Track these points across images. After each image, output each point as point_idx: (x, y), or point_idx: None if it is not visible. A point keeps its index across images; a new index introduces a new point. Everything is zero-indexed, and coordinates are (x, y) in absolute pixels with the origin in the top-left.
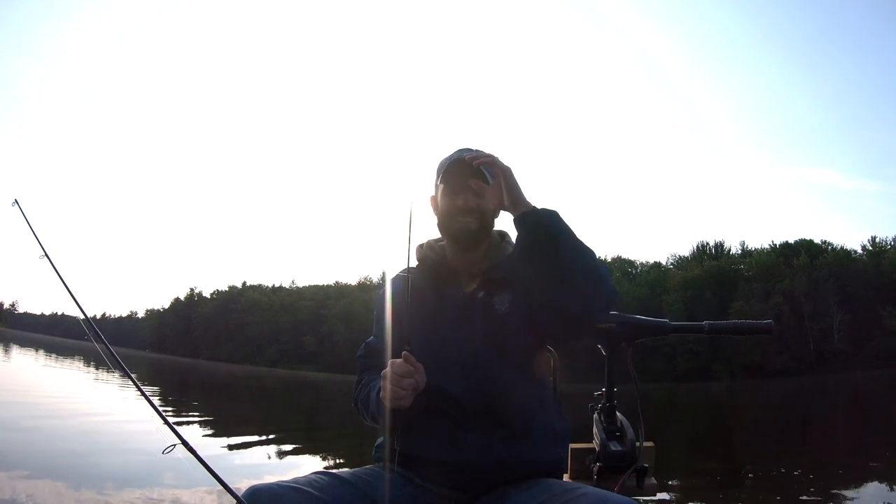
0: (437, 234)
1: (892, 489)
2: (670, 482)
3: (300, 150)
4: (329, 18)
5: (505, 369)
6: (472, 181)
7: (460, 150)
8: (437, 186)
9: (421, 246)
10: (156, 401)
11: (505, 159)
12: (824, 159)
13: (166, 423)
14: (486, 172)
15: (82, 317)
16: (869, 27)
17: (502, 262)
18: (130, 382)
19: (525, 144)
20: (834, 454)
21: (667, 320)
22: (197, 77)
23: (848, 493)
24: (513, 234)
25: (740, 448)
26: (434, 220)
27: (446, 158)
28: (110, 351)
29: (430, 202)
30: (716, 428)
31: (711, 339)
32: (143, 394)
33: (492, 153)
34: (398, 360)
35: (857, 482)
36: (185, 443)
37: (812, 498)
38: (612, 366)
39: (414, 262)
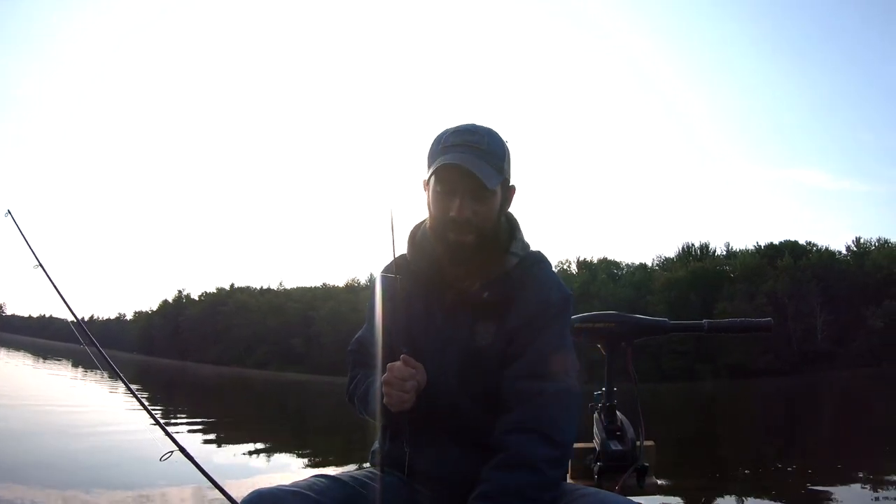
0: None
1: (880, 486)
2: (670, 481)
3: (288, 152)
4: (318, 20)
5: (482, 405)
6: (473, 184)
7: (459, 135)
8: (428, 172)
9: (414, 235)
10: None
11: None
12: (811, 160)
13: (163, 430)
14: (491, 175)
15: (75, 321)
16: (857, 28)
17: (496, 283)
18: (121, 386)
19: (514, 146)
20: (825, 452)
21: (666, 319)
22: (183, 81)
23: (843, 489)
24: (522, 227)
25: (733, 447)
26: (425, 202)
27: (441, 141)
28: (104, 357)
29: (422, 185)
30: (706, 427)
31: (696, 339)
32: (138, 400)
33: None
34: (398, 364)
35: (851, 479)
36: (182, 449)
37: (807, 495)
38: (612, 365)
39: (404, 249)
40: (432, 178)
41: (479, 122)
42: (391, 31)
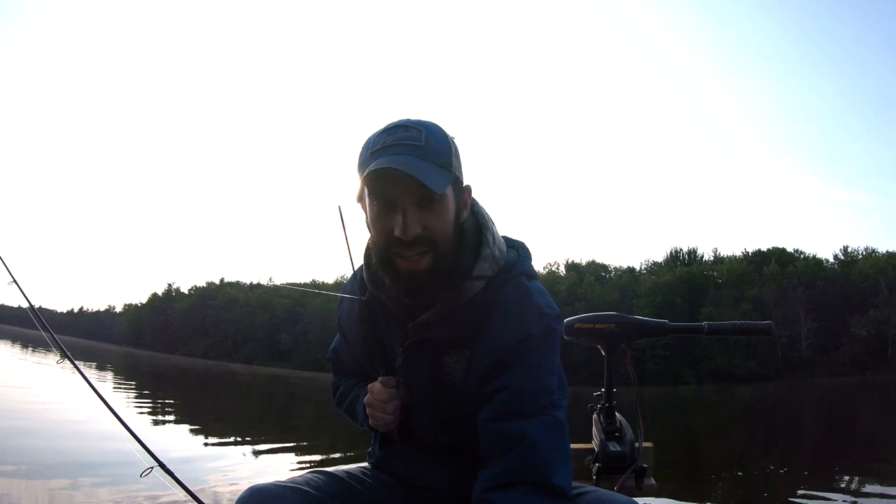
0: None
1: (866, 489)
2: (666, 482)
3: (280, 148)
4: (314, 17)
5: (463, 431)
6: (416, 191)
7: (394, 124)
8: (362, 188)
9: (369, 254)
10: (130, 407)
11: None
12: (806, 168)
13: (142, 444)
14: (435, 179)
15: (62, 352)
16: (861, 43)
17: (459, 316)
18: (106, 383)
19: (506, 148)
20: (812, 458)
21: (666, 321)
22: (176, 77)
23: (833, 490)
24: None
25: (720, 450)
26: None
27: (370, 145)
28: (89, 383)
29: (359, 205)
30: (692, 430)
31: (680, 343)
32: (115, 415)
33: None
34: (377, 386)
35: (839, 483)
36: (162, 465)
37: (799, 496)
38: (612, 366)
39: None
40: (365, 192)
41: (464, 122)
42: (408, 22)
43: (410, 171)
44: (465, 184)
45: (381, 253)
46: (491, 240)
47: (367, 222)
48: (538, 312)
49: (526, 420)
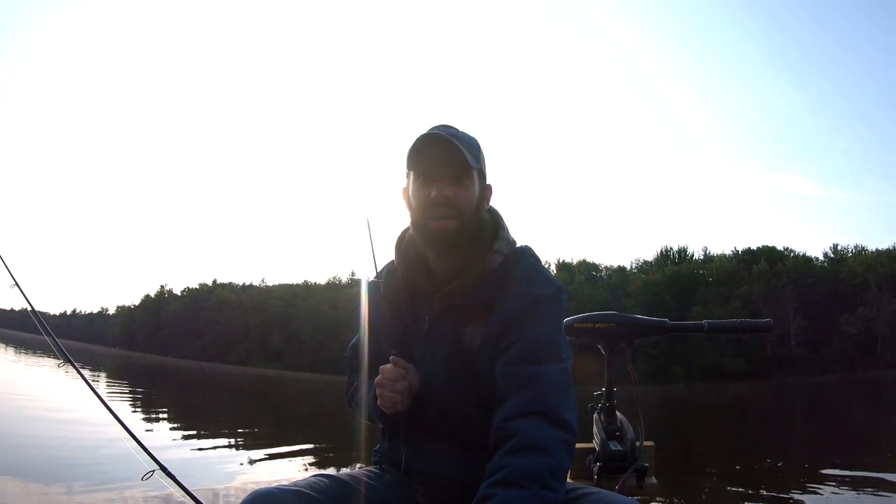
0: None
1: (861, 484)
2: (667, 481)
3: (273, 150)
4: (313, 16)
5: (475, 406)
6: (451, 166)
7: (435, 128)
8: (407, 175)
9: (400, 242)
10: (128, 410)
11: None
12: (794, 167)
13: (142, 447)
14: (468, 154)
15: (63, 356)
16: (843, 41)
17: (482, 283)
18: (103, 386)
19: (498, 146)
20: (809, 452)
21: (666, 319)
22: (169, 78)
23: (830, 486)
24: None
25: (716, 447)
26: (407, 215)
27: (417, 139)
28: (90, 387)
29: (401, 195)
30: (690, 427)
31: (670, 341)
32: (116, 418)
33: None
34: (388, 366)
35: (837, 478)
36: (163, 468)
37: (798, 491)
38: (612, 365)
39: (391, 255)
40: (411, 173)
41: (458, 121)
42: (381, 27)
43: (451, 138)
44: (488, 183)
45: (418, 218)
46: (506, 228)
47: (407, 201)
48: (547, 280)
49: (539, 365)
